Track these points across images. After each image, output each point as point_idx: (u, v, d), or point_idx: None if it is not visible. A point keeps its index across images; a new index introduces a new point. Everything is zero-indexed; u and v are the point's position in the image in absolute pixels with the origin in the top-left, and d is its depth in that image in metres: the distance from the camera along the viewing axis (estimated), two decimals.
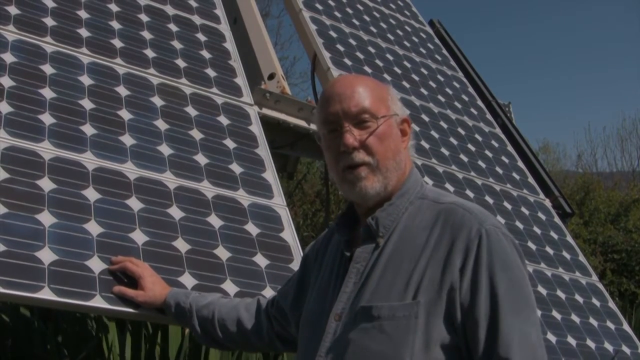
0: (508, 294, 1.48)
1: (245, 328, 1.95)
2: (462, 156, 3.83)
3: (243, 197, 2.57)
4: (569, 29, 53.63)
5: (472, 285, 1.48)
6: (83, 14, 2.91)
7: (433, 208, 1.62)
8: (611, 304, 3.53)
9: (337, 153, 1.65)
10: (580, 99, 50.33)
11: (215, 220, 2.40)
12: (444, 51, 4.98)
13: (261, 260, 2.38)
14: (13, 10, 2.70)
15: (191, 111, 2.79)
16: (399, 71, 4.19)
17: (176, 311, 1.98)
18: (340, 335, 1.56)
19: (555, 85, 51.17)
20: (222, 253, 2.31)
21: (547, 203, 4.06)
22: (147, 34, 3.04)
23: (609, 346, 3.20)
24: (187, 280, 2.14)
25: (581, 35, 53.51)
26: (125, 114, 2.57)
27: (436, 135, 3.82)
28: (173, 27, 3.20)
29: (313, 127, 3.39)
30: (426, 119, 3.91)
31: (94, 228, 2.09)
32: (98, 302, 1.91)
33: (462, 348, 1.49)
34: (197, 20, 3.37)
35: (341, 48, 3.95)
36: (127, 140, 2.47)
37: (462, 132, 4.08)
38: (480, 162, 3.91)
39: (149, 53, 2.94)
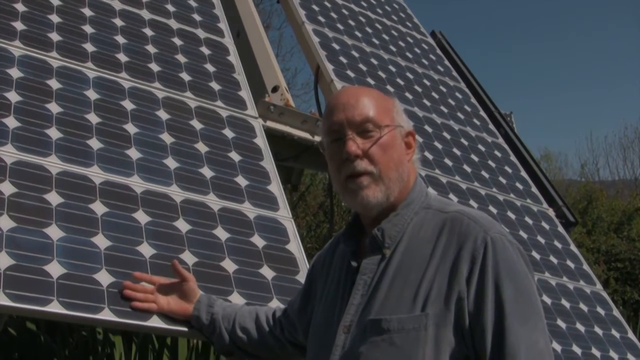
0: (514, 301, 1.48)
1: (264, 329, 1.98)
2: (465, 166, 3.84)
3: (249, 210, 2.58)
4: (570, 38, 53.87)
5: (478, 294, 1.48)
6: (88, 28, 2.94)
7: (438, 217, 1.61)
8: (616, 313, 3.53)
9: (339, 162, 1.64)
10: (581, 108, 50.39)
11: (221, 233, 2.42)
12: (446, 62, 5.00)
13: (267, 272, 2.38)
14: (19, 25, 2.72)
15: (196, 124, 2.81)
16: (401, 83, 4.21)
17: (198, 325, 2.02)
18: (349, 348, 1.56)
19: (557, 94, 51.31)
20: (229, 265, 2.32)
21: (551, 212, 4.06)
22: (151, 48, 3.06)
23: (614, 355, 3.20)
24: None
25: (582, 43, 53.72)
26: (131, 128, 2.59)
27: (439, 146, 3.84)
28: (177, 41, 3.22)
29: (317, 139, 3.40)
30: (429, 130, 3.93)
31: (101, 241, 2.11)
32: (107, 315, 1.91)
33: (471, 358, 1.49)
34: (201, 34, 3.39)
35: (344, 60, 3.97)
36: (134, 154, 2.49)
37: (465, 142, 4.09)
38: (483, 173, 3.92)
39: (154, 67, 2.96)
